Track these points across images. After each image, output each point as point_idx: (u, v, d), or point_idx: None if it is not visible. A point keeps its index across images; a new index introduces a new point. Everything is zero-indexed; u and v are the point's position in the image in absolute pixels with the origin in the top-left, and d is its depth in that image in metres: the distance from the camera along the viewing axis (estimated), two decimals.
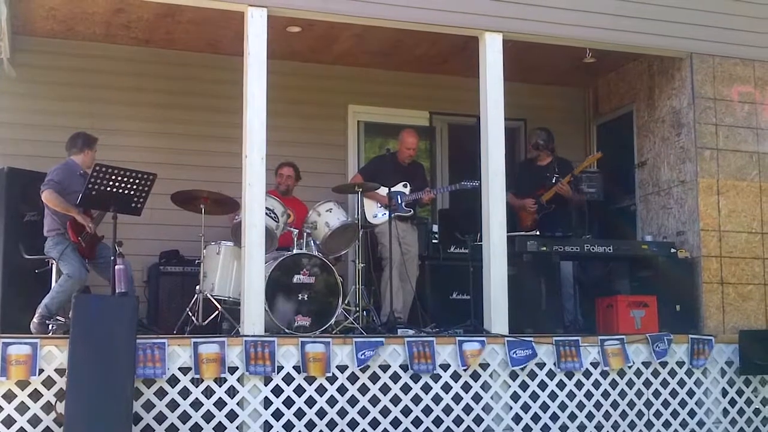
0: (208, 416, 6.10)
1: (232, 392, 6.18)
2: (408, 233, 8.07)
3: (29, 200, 7.30)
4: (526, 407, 6.81)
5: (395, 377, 6.52)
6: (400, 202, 8.00)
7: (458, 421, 6.64)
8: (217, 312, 7.01)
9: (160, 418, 5.99)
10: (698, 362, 7.30)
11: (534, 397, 6.84)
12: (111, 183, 6.51)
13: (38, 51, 8.29)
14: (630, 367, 7.10)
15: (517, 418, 6.79)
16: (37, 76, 8.27)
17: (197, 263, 7.31)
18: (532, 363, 6.84)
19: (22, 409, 5.73)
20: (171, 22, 7.99)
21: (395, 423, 6.49)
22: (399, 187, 8.04)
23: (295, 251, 7.17)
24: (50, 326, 6.60)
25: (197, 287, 7.09)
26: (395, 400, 6.51)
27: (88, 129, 7.34)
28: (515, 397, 6.81)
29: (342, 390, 6.40)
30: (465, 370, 6.66)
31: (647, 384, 7.16)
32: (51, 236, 6.88)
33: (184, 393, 6.07)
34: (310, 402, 6.32)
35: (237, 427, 6.15)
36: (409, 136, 8.32)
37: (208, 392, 6.13)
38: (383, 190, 7.80)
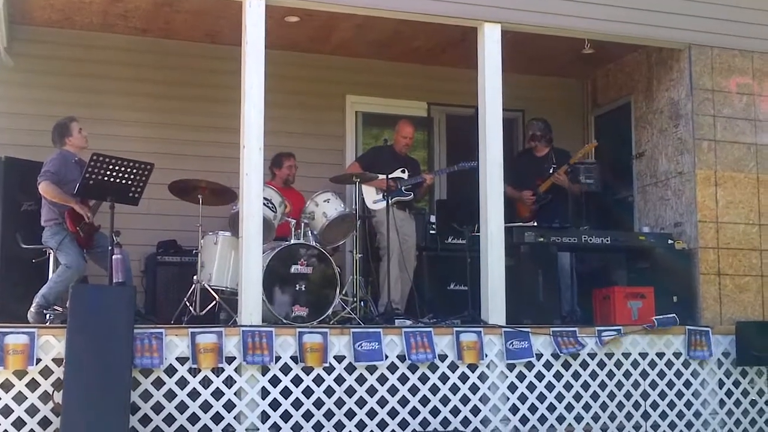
0: (206, 406, 6.11)
1: (229, 382, 6.19)
2: (406, 223, 8.08)
3: (27, 190, 7.29)
4: (523, 398, 6.83)
5: (393, 368, 6.53)
6: (399, 186, 8.02)
7: (455, 411, 6.65)
8: (214, 302, 7.02)
9: (158, 408, 6.00)
10: (695, 353, 7.31)
11: (531, 387, 6.85)
12: (108, 173, 6.49)
13: (36, 40, 8.28)
14: (627, 357, 7.12)
15: (514, 409, 6.80)
16: (34, 66, 8.26)
17: (195, 253, 7.31)
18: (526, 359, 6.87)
19: (19, 398, 5.74)
20: (169, 11, 7.98)
21: (392, 413, 6.49)
22: (397, 173, 8.07)
23: (292, 241, 7.17)
24: (48, 316, 6.60)
25: (195, 277, 7.09)
26: (392, 390, 6.52)
27: (85, 119, 7.31)
28: (512, 387, 6.82)
29: (339, 380, 6.40)
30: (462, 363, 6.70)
31: (644, 375, 7.17)
32: (49, 226, 6.88)
33: (182, 383, 6.08)
34: (308, 392, 6.33)
35: (234, 417, 6.15)
36: (406, 125, 8.34)
37: (206, 382, 6.13)
38: (382, 176, 7.81)
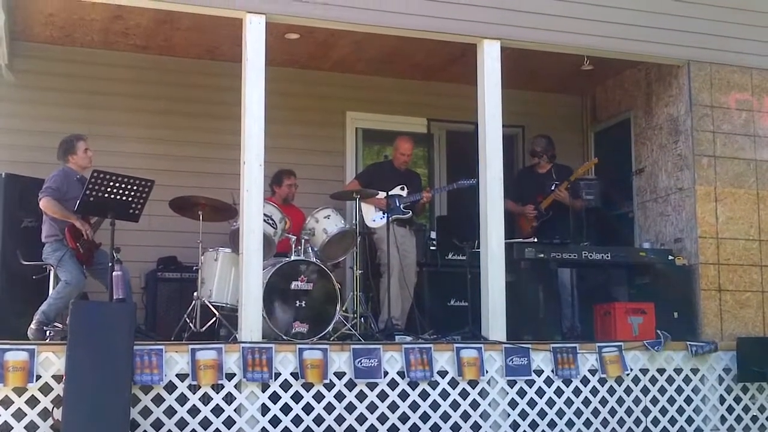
0: (206, 423, 6.10)
1: (229, 399, 6.18)
2: (406, 239, 8.08)
3: (27, 206, 7.29)
4: (523, 414, 6.81)
5: (393, 384, 6.52)
6: (398, 204, 8.02)
7: (456, 427, 6.63)
8: (214, 318, 7.02)
9: (158, 425, 5.99)
10: (699, 350, 7.32)
11: (532, 404, 6.84)
12: (109, 189, 6.51)
13: (37, 57, 8.31)
14: (628, 374, 7.10)
15: (514, 425, 6.78)
16: (35, 82, 8.28)
17: (195, 270, 7.31)
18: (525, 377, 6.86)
19: (19, 415, 5.73)
20: (169, 28, 8.00)
21: (392, 430, 6.48)
22: (396, 190, 8.07)
23: (293, 258, 7.17)
24: (48, 332, 6.58)
25: (195, 294, 7.09)
26: (393, 407, 6.50)
27: (85, 134, 7.29)
28: (513, 404, 6.80)
29: (339, 396, 6.39)
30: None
31: (645, 391, 7.16)
32: (49, 242, 6.87)
33: (182, 399, 6.07)
34: (308, 408, 6.32)
35: None
36: (404, 142, 8.34)
37: (206, 399, 6.13)
38: (381, 194, 7.82)
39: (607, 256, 7.84)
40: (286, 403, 6.27)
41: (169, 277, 8.11)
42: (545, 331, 7.44)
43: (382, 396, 6.49)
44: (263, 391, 6.25)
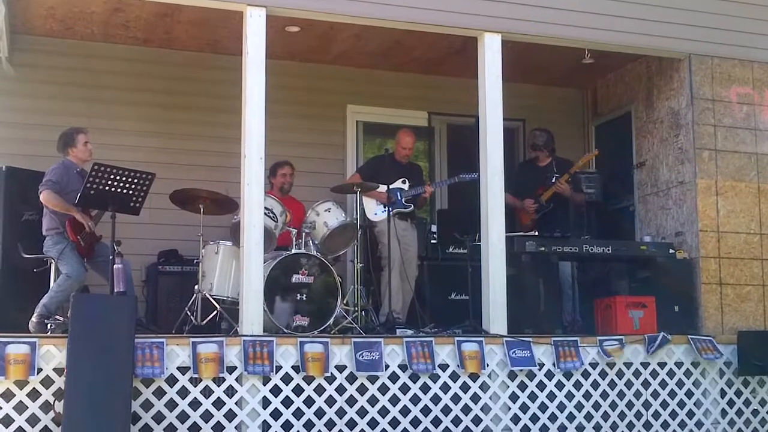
0: (207, 416, 6.10)
1: (230, 392, 6.18)
2: (407, 233, 8.08)
3: (28, 199, 7.29)
4: (524, 407, 6.81)
5: (394, 377, 6.52)
6: (399, 198, 8.02)
7: (456, 421, 6.64)
8: (215, 312, 7.01)
9: (159, 418, 5.99)
10: (707, 356, 7.30)
11: (532, 397, 6.84)
12: (110, 182, 6.49)
13: (37, 50, 8.29)
14: (629, 366, 7.11)
15: (515, 419, 6.79)
16: (35, 76, 8.27)
17: (196, 263, 7.30)
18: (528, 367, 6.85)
19: (20, 408, 5.72)
20: (170, 21, 7.99)
21: (393, 423, 6.48)
22: (398, 184, 8.07)
23: (293, 251, 7.17)
24: (49, 325, 6.59)
25: (196, 287, 7.08)
26: (394, 400, 6.51)
27: (85, 127, 7.28)
28: (514, 397, 6.81)
29: (340, 390, 6.39)
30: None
31: (646, 384, 7.16)
32: (50, 235, 6.87)
33: (183, 392, 6.07)
34: (309, 402, 6.32)
35: (236, 427, 6.15)
36: (406, 135, 8.32)
37: (207, 392, 6.13)
38: (382, 187, 7.81)
39: (608, 250, 7.84)
40: (287, 396, 6.28)
41: (170, 271, 8.12)
42: (546, 324, 7.43)
43: (383, 389, 6.49)
44: (264, 384, 6.25)
